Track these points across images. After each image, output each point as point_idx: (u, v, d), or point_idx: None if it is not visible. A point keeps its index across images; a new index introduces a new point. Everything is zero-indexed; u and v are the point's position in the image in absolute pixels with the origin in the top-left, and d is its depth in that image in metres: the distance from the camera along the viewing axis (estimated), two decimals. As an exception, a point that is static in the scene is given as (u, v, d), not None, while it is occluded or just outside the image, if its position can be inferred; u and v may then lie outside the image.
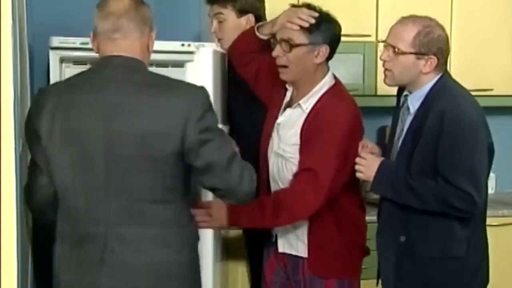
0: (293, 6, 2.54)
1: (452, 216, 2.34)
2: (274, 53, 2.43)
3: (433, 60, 2.34)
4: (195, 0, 3.50)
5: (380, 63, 3.33)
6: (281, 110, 2.54)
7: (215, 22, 2.83)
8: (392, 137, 2.52)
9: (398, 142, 2.43)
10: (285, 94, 2.57)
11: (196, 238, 2.12)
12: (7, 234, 1.52)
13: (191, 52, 2.66)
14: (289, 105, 2.51)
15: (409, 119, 2.41)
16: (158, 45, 2.53)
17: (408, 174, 2.35)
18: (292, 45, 2.39)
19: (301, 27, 2.38)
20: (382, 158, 2.42)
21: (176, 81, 2.02)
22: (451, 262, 2.39)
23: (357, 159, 2.39)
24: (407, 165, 2.36)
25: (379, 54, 3.34)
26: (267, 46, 2.58)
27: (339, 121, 2.38)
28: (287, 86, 2.56)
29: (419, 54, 2.33)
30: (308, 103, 2.43)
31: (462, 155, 2.28)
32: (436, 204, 2.31)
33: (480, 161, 2.33)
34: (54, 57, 2.65)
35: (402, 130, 2.43)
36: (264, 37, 2.58)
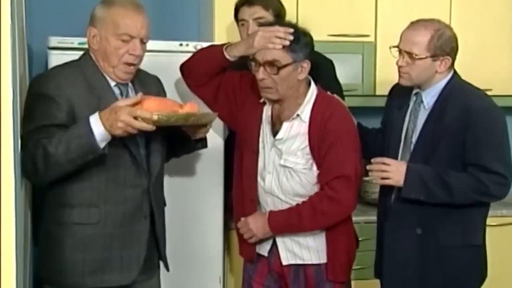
0: (262, 25, 2.49)
1: (474, 205, 2.42)
2: (259, 77, 2.37)
3: (448, 60, 2.45)
4: (194, 0, 3.50)
5: (379, 63, 3.41)
6: (268, 126, 2.49)
7: (253, 25, 2.68)
8: (397, 136, 2.56)
9: (412, 138, 2.50)
10: (262, 110, 2.52)
11: None
12: (6, 235, 1.52)
13: (189, 52, 2.67)
14: (278, 119, 2.47)
15: (423, 114, 2.49)
16: (156, 44, 2.56)
17: (440, 169, 2.40)
18: (279, 67, 2.34)
19: (283, 46, 2.34)
20: (405, 162, 2.45)
21: None
22: (470, 250, 2.47)
23: (383, 166, 2.41)
24: (429, 157, 2.43)
25: (378, 54, 3.41)
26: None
27: (349, 125, 2.46)
28: (266, 101, 2.50)
29: (434, 56, 2.42)
30: (304, 112, 2.43)
31: (495, 143, 2.39)
32: (472, 195, 2.39)
33: (509, 147, 2.45)
34: (52, 57, 2.66)
35: (415, 126, 2.50)
36: (233, 59, 2.50)
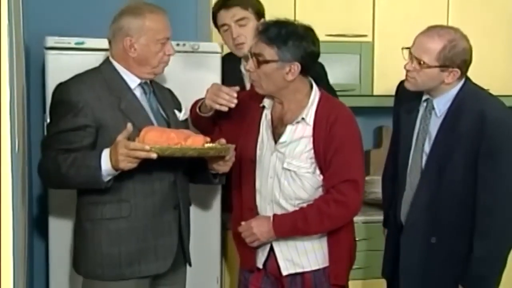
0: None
1: (487, 213, 2.38)
2: (248, 67, 2.40)
3: (456, 72, 2.39)
4: (191, 0, 3.49)
5: (376, 63, 3.41)
6: (268, 130, 2.47)
7: (235, 27, 2.68)
8: (408, 141, 2.53)
9: (424, 146, 2.47)
10: (260, 116, 2.50)
11: None
12: (4, 235, 1.52)
13: (186, 52, 2.67)
14: (279, 122, 2.45)
15: (436, 122, 2.45)
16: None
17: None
18: (260, 61, 2.34)
19: (270, 41, 2.32)
20: None
21: None
22: None
23: None
24: (444, 167, 2.39)
25: (375, 54, 3.40)
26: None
27: (354, 128, 2.44)
28: (265, 105, 2.49)
29: (443, 67, 2.37)
30: (309, 115, 2.42)
31: (509, 152, 2.36)
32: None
33: None
34: (49, 57, 2.65)
35: (427, 132, 2.47)
36: (207, 115, 2.55)
